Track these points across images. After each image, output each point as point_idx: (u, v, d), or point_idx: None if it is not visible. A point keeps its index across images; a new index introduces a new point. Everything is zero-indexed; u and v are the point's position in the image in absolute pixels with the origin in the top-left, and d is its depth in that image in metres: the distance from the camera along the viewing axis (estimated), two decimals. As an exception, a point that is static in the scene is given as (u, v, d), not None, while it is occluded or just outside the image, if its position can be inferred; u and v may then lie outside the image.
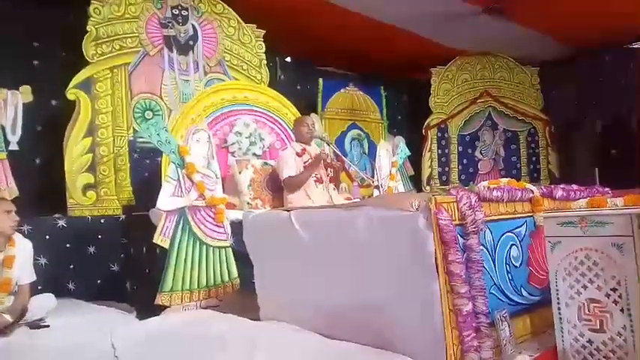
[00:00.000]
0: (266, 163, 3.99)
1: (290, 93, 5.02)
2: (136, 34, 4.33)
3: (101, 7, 4.14)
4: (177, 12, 4.60)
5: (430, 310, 1.69)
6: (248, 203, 3.67)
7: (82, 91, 4.02)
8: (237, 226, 3.00)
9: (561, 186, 2.33)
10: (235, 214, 3.22)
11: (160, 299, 2.89)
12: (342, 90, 6.12)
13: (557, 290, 1.73)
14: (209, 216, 3.12)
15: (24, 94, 3.83)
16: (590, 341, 1.65)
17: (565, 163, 6.21)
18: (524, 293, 2.01)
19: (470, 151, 6.53)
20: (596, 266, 1.65)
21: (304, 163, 3.69)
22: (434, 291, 1.68)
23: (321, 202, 3.55)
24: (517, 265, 2.01)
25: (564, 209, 2.09)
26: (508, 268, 1.97)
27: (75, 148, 3.94)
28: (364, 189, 4.89)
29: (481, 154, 6.50)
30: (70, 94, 3.97)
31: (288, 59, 5.99)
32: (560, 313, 1.72)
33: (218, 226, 3.14)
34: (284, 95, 4.61)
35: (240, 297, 3.00)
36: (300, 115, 4.31)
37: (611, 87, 5.80)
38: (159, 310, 2.88)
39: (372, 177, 4.47)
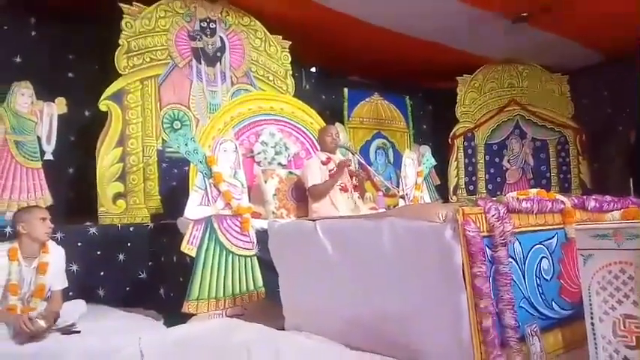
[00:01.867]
0: (291, 173, 4.02)
1: (315, 103, 5.07)
2: (166, 47, 4.44)
3: (133, 21, 4.27)
4: (205, 25, 4.70)
5: (457, 323, 1.67)
6: (273, 212, 3.69)
7: (114, 102, 4.13)
8: (262, 235, 3.03)
9: (594, 197, 2.27)
10: (261, 224, 3.25)
11: (187, 307, 2.93)
12: (366, 99, 6.12)
13: (590, 305, 1.67)
14: (235, 225, 3.16)
15: (59, 106, 3.98)
16: (625, 358, 1.59)
17: (597, 173, 6.03)
18: (556, 307, 1.95)
19: (497, 160, 6.41)
20: (631, 280, 1.59)
21: (329, 171, 3.70)
22: (461, 304, 1.66)
23: (346, 211, 3.55)
24: (548, 278, 1.96)
25: (597, 221, 2.03)
26: (538, 281, 1.92)
27: (106, 158, 4.05)
28: (389, 199, 4.86)
29: (509, 163, 6.38)
30: (103, 105, 4.09)
31: (313, 69, 6.04)
32: (593, 329, 1.66)
33: (244, 235, 3.17)
34: (309, 105, 4.65)
35: (266, 306, 3.01)
36: (324, 125, 4.33)
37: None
38: (186, 317, 2.92)
39: (398, 186, 4.44)
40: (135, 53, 4.26)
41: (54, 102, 3.97)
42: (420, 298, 1.81)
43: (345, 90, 5.97)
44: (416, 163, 4.34)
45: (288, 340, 2.22)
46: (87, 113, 4.38)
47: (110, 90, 4.12)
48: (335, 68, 6.09)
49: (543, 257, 1.96)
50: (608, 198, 2.33)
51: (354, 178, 3.83)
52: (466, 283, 1.66)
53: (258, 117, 4.26)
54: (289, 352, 2.03)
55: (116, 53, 4.17)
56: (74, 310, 2.81)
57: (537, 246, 1.95)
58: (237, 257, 3.12)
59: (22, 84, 3.84)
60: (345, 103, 5.94)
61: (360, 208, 3.74)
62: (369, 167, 4.29)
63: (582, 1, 4.55)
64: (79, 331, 2.71)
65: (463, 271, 1.66)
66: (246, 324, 2.56)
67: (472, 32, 5.24)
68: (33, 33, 4.26)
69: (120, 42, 4.19)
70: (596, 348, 1.66)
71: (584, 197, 2.26)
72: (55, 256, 2.83)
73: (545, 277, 1.95)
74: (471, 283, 1.66)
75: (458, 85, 6.39)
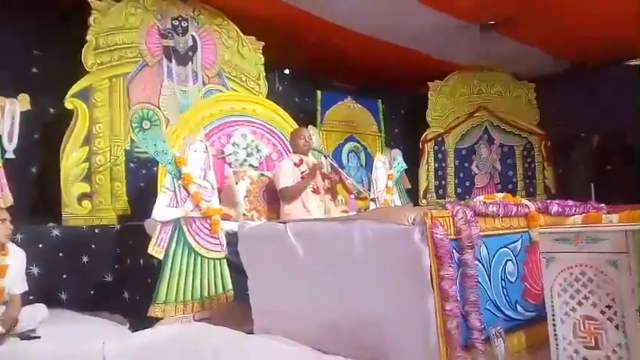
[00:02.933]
0: (262, 175, 3.99)
1: (288, 105, 5.05)
2: (136, 45, 4.35)
3: (101, 17, 4.16)
4: (177, 23, 4.63)
5: (425, 325, 1.69)
6: (244, 214, 3.66)
7: (80, 100, 4.02)
8: (232, 238, 2.99)
9: (557, 201, 2.34)
10: (231, 226, 3.21)
11: (154, 311, 2.86)
12: (340, 102, 6.15)
13: (552, 306, 1.72)
14: (204, 227, 3.11)
15: (22, 103, 3.83)
16: (585, 358, 1.64)
17: (561, 179, 6.23)
18: (520, 309, 2.00)
19: (466, 164, 6.55)
20: (591, 283, 1.64)
21: (302, 173, 3.70)
22: (429, 306, 1.68)
23: (318, 214, 3.54)
24: (512, 280, 2.00)
25: (560, 225, 2.09)
26: (503, 284, 1.96)
27: (71, 157, 3.93)
28: (361, 201, 4.88)
29: (477, 168, 6.53)
30: (68, 102, 3.97)
31: (287, 71, 6.03)
32: (555, 330, 1.71)
33: (213, 238, 3.13)
34: (282, 107, 4.63)
35: (235, 309, 2.97)
36: (297, 127, 4.32)
37: (607, 103, 5.84)
38: (152, 321, 2.85)
39: (369, 190, 4.47)
40: (103, 50, 4.16)
41: (17, 99, 3.82)
42: (389, 300, 1.83)
43: (319, 93, 5.98)
44: (387, 166, 4.38)
45: (257, 343, 2.20)
46: (52, 111, 4.23)
47: (76, 87, 4.01)
48: (308, 71, 6.09)
49: (508, 260, 2.01)
50: (571, 203, 2.41)
51: (326, 180, 3.83)
52: (434, 286, 1.68)
53: (230, 118, 4.22)
54: (258, 356, 2.01)
55: (83, 50, 4.05)
56: (34, 314, 2.72)
57: (503, 249, 1.99)
58: (206, 260, 3.07)
59: (-18, 79, 3.69)
60: (319, 106, 5.95)
61: (331, 210, 3.74)
62: (341, 170, 4.30)
63: (548, 12, 4.69)
64: (38, 337, 2.62)
65: (431, 273, 1.68)
66: (214, 328, 2.53)
67: (443, 39, 5.33)
68: (-5, 27, 4.09)
69: (87, 38, 4.08)
70: (557, 348, 1.71)
71: (548, 202, 2.32)
72: (15, 258, 2.73)
73: (510, 279, 1.99)
74: (438, 285, 1.68)
75: (429, 90, 6.50)
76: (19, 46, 4.15)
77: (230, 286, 3.10)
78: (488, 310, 1.85)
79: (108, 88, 4.17)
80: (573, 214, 2.25)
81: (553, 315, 1.72)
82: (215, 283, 3.08)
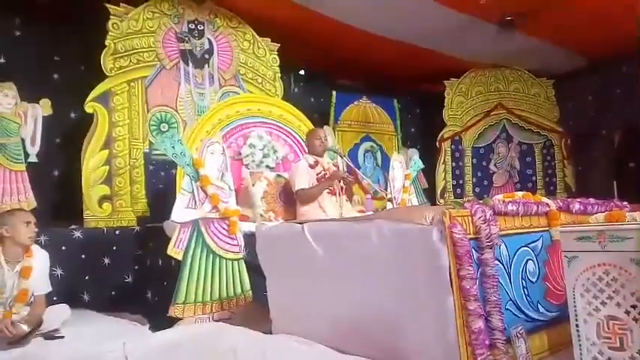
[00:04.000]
0: (279, 175, 4.01)
1: (303, 106, 5.06)
2: (153, 48, 4.41)
3: (120, 22, 4.24)
4: (193, 26, 4.68)
5: (444, 325, 1.67)
6: (261, 215, 3.68)
7: (100, 104, 4.09)
8: (250, 238, 3.01)
9: (578, 200, 2.29)
10: (248, 226, 3.23)
11: (173, 311, 2.90)
12: (355, 102, 6.14)
13: (575, 307, 1.69)
14: (222, 228, 3.13)
15: (44, 108, 3.93)
16: (609, 359, 1.61)
17: (582, 176, 6.12)
18: (541, 309, 1.96)
19: (484, 163, 6.48)
20: (615, 282, 1.61)
21: (317, 174, 3.70)
22: (448, 306, 1.66)
23: (334, 214, 3.54)
24: (533, 280, 1.97)
25: (581, 223, 2.05)
26: (524, 284, 1.93)
27: (92, 161, 4.00)
28: (377, 201, 4.87)
29: (495, 166, 6.45)
30: (88, 107, 4.05)
31: (302, 72, 6.04)
32: (578, 331, 1.68)
33: (231, 238, 3.15)
34: (297, 108, 4.65)
35: (253, 309, 2.99)
36: (313, 128, 4.33)
37: (628, 99, 5.72)
38: (172, 322, 2.89)
39: (386, 189, 4.45)
40: (121, 55, 4.23)
41: (38, 104, 3.92)
42: (407, 300, 1.81)
43: (334, 93, 5.98)
44: (404, 166, 4.36)
45: (276, 343, 2.20)
46: (72, 115, 4.33)
47: (96, 92, 4.08)
48: (323, 71, 6.10)
49: (529, 259, 1.97)
50: (592, 201, 2.36)
51: (342, 181, 3.83)
52: (453, 285, 1.66)
53: (247, 119, 4.25)
54: (277, 356, 2.02)
55: (102, 55, 4.13)
56: (58, 315, 2.78)
57: (523, 248, 1.96)
58: (225, 261, 3.10)
59: (6, 85, 3.79)
60: (334, 107, 5.96)
61: (348, 211, 3.74)
62: (357, 170, 4.29)
63: (566, 7, 4.61)
64: (62, 337, 2.67)
65: (450, 273, 1.67)
66: (232, 328, 2.54)
67: (459, 37, 5.28)
68: (17, 33, 4.19)
69: (106, 43, 4.15)
70: (580, 350, 1.67)
71: (569, 200, 2.28)
72: (39, 260, 2.79)
73: (531, 279, 1.96)
74: (459, 285, 1.66)
75: (445, 88, 6.44)
76: (40, 53, 4.25)
77: (248, 286, 3.13)
78: (509, 310, 1.82)
79: (127, 91, 4.24)
80: (595, 213, 2.20)
81: (576, 315, 1.68)
82: (233, 283, 3.11)
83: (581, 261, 1.68)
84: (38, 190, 3.81)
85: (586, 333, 1.66)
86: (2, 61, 4.07)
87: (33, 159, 3.84)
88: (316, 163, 3.76)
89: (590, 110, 6.19)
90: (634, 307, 1.57)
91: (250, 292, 3.12)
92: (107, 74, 4.15)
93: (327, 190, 3.66)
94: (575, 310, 1.69)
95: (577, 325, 1.68)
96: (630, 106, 5.68)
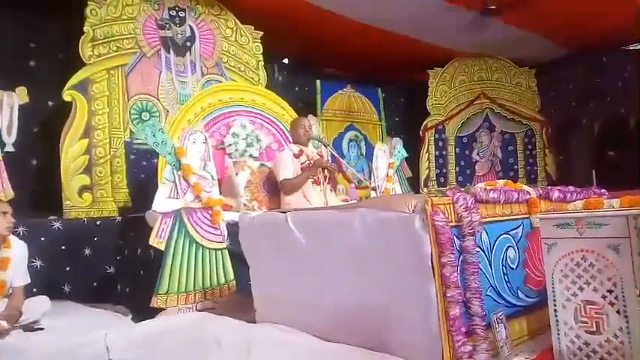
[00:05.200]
0: (263, 165, 3.98)
1: (287, 94, 5.03)
2: (133, 35, 4.32)
3: (98, 9, 4.14)
4: (174, 13, 4.59)
5: (426, 313, 1.69)
6: (244, 205, 3.66)
7: (79, 93, 4.01)
8: (233, 228, 2.99)
9: (558, 187, 2.33)
10: (231, 216, 3.21)
11: (156, 301, 2.88)
12: (339, 91, 6.12)
13: (553, 292, 1.72)
14: (205, 218, 3.11)
15: (20, 96, 3.83)
16: (586, 343, 1.64)
17: (562, 165, 6.22)
18: (521, 295, 2.00)
19: (467, 152, 6.54)
20: (592, 268, 1.64)
21: (302, 164, 3.69)
22: (430, 293, 1.68)
23: (318, 204, 3.54)
24: (513, 266, 2.00)
25: (560, 211, 2.08)
26: (504, 270, 1.96)
27: (71, 150, 3.93)
28: (361, 191, 4.88)
29: (478, 155, 6.51)
30: (67, 95, 3.96)
31: (286, 61, 5.99)
32: (556, 315, 1.71)
33: (214, 228, 3.13)
34: (281, 97, 4.62)
35: (236, 299, 2.99)
36: (297, 117, 4.30)
37: (608, 89, 5.81)
38: (154, 312, 2.87)
39: (369, 179, 4.46)
40: (100, 42, 4.13)
41: (14, 91, 3.81)
42: (390, 287, 1.83)
43: (318, 82, 5.95)
44: (388, 155, 4.37)
45: (260, 332, 2.21)
46: (50, 103, 4.23)
47: (74, 79, 4.00)
48: (308, 60, 6.06)
49: (509, 246, 2.00)
50: (572, 188, 2.40)
51: (325, 170, 3.82)
52: (435, 273, 1.68)
53: (230, 108, 4.21)
54: (261, 345, 2.02)
55: (80, 42, 4.03)
56: (37, 306, 2.74)
57: (504, 235, 1.99)
58: (208, 250, 3.08)
59: (-20, 72, 3.68)
60: (318, 95, 5.93)
61: (332, 200, 3.74)
62: (341, 159, 4.29)
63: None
64: (42, 328, 2.63)
65: (432, 260, 1.68)
66: (216, 317, 2.53)
67: (443, 26, 5.29)
68: (-8, 19, 4.07)
69: (84, 30, 4.05)
70: (558, 334, 1.71)
71: (549, 188, 2.32)
72: (17, 251, 2.74)
73: (511, 265, 1.99)
74: (440, 272, 1.68)
75: (429, 77, 6.46)
76: (16, 39, 4.13)
77: (232, 276, 3.11)
78: (490, 296, 1.85)
79: (106, 79, 4.16)
80: (574, 200, 2.24)
81: (554, 300, 1.72)
82: (217, 273, 3.09)
83: (560, 247, 1.71)
84: (16, 180, 3.72)
85: (564, 317, 1.69)
86: (-25, 47, 3.95)
87: (9, 148, 3.75)
88: (300, 152, 3.74)
89: (572, 100, 6.28)
90: (610, 291, 1.61)
91: (234, 281, 3.11)
92: (86, 62, 4.05)
93: (311, 180, 3.65)
94: (554, 296, 1.72)
95: (555, 310, 1.72)
96: (610, 96, 5.78)
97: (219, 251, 3.12)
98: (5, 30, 4.07)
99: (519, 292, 2.00)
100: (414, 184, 6.37)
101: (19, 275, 2.71)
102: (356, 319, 1.95)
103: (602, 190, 2.55)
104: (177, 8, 4.61)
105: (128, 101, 4.28)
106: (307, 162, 3.72)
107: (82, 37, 4.04)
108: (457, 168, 6.51)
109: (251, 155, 4.14)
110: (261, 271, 2.47)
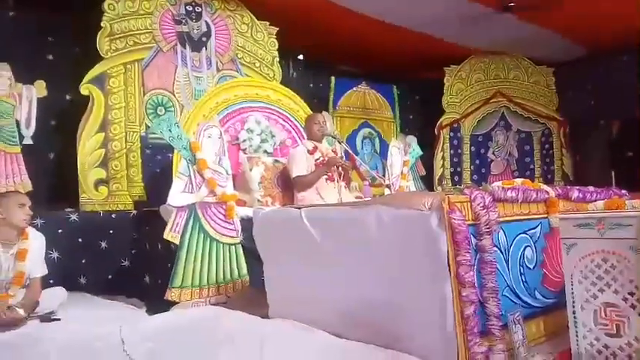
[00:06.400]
0: (277, 161, 3.99)
1: (302, 91, 5.02)
2: (150, 30, 4.35)
3: (115, 3, 4.17)
4: (190, 8, 4.61)
5: (442, 311, 1.67)
6: (258, 200, 3.66)
7: (96, 87, 4.04)
8: (247, 223, 3.00)
9: (577, 187, 2.29)
10: (245, 211, 3.22)
11: (170, 295, 2.90)
12: (354, 88, 6.09)
13: (572, 293, 1.69)
14: (219, 212, 3.12)
15: (38, 89, 3.87)
16: (606, 346, 1.61)
17: (580, 165, 6.12)
18: (538, 296, 1.97)
19: (482, 151, 6.46)
20: (613, 269, 1.61)
21: (315, 160, 3.68)
22: (446, 292, 1.66)
23: (332, 200, 3.53)
24: (531, 267, 1.97)
25: (580, 211, 2.04)
26: (522, 270, 1.93)
27: (88, 143, 3.97)
28: (375, 188, 4.86)
29: (494, 154, 6.43)
30: (84, 89, 4.00)
31: (301, 57, 5.98)
32: (575, 317, 1.68)
33: (228, 223, 3.14)
34: (296, 93, 4.61)
35: (250, 294, 2.99)
36: (311, 113, 4.29)
37: (627, 88, 5.69)
38: (168, 305, 2.89)
39: (384, 176, 4.44)
40: (117, 36, 4.16)
41: (33, 85, 3.86)
42: (405, 285, 1.81)
43: (333, 78, 5.93)
44: (402, 152, 4.34)
45: (273, 327, 2.21)
46: (68, 97, 4.27)
47: (92, 74, 4.03)
48: (322, 56, 6.03)
49: (527, 246, 1.97)
50: (592, 189, 2.35)
51: (339, 167, 3.81)
52: (450, 271, 1.66)
53: (244, 104, 4.21)
54: (274, 340, 2.02)
55: (98, 36, 4.07)
56: (54, 297, 2.78)
57: (521, 235, 1.96)
58: (222, 245, 3.09)
59: (0, 66, 3.72)
60: (332, 92, 5.91)
61: (346, 197, 3.73)
62: (355, 156, 4.27)
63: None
64: (59, 319, 2.67)
65: (448, 259, 1.66)
66: (229, 312, 2.54)
67: (460, 24, 5.23)
68: (11, 14, 4.12)
69: (102, 24, 4.08)
70: (577, 336, 1.68)
71: (568, 187, 2.27)
72: (35, 242, 2.77)
73: (529, 265, 1.96)
74: (456, 271, 1.66)
75: (445, 75, 6.40)
76: (35, 34, 4.18)
77: (245, 271, 3.12)
78: (507, 296, 1.82)
79: (123, 74, 4.19)
80: (594, 200, 2.20)
81: (573, 302, 1.69)
82: (230, 267, 3.10)
83: (579, 248, 1.67)
84: (34, 172, 3.78)
85: (583, 320, 1.66)
86: (-4, 42, 4.01)
87: (28, 141, 3.80)
88: (315, 148, 3.73)
89: (590, 99, 6.17)
90: (631, 294, 1.57)
91: (247, 276, 3.12)
92: (103, 56, 4.09)
93: (325, 177, 3.64)
94: (573, 297, 1.69)
95: (574, 312, 1.68)
96: (629, 96, 5.66)
97: (233, 246, 3.13)
98: (25, 25, 4.12)
99: (536, 292, 1.96)
100: (428, 182, 6.32)
101: (36, 266, 2.75)
102: (370, 317, 1.94)
103: (623, 191, 2.50)
104: (193, 3, 4.62)
105: (144, 96, 4.30)
106: (321, 158, 3.71)
107: (100, 32, 4.08)
108: (472, 167, 6.44)
109: (265, 151, 4.14)
110: (275, 266, 2.47)
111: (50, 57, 4.26)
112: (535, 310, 1.94)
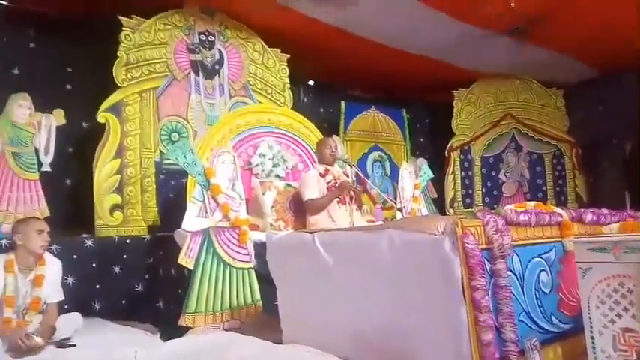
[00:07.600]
0: (289, 185, 4.02)
1: (313, 115, 5.09)
2: (165, 59, 4.46)
3: (132, 34, 4.30)
4: (204, 37, 4.73)
5: (457, 337, 1.66)
6: (271, 225, 3.68)
7: (112, 114, 4.13)
8: (260, 248, 3.02)
9: (591, 210, 2.28)
10: (258, 236, 3.24)
11: (184, 320, 2.90)
12: (364, 112, 6.15)
13: (589, 318, 1.68)
14: (233, 237, 3.15)
15: (57, 117, 3.98)
16: (625, 372, 1.59)
17: (593, 187, 6.07)
18: (555, 321, 1.95)
19: (494, 173, 6.45)
20: (630, 294, 1.59)
21: (327, 183, 3.71)
22: (461, 317, 1.65)
23: (344, 224, 3.54)
24: (547, 291, 1.96)
25: (595, 234, 2.04)
26: (537, 295, 1.92)
27: (104, 170, 4.04)
28: (387, 211, 4.86)
29: (505, 176, 6.41)
30: (101, 117, 4.09)
31: (311, 83, 6.08)
32: (593, 343, 1.66)
33: (241, 247, 3.16)
34: (307, 118, 4.67)
35: (263, 319, 2.99)
36: (322, 137, 4.34)
37: (638, 109, 5.68)
38: (183, 331, 2.89)
39: (395, 199, 4.44)
40: (133, 65, 4.28)
41: (52, 113, 3.97)
42: (419, 310, 1.80)
43: (343, 103, 6.00)
44: (413, 175, 4.36)
45: (286, 353, 2.20)
46: (85, 125, 4.38)
47: (108, 102, 4.13)
48: (332, 82, 6.13)
49: (542, 270, 1.96)
50: (605, 211, 2.34)
51: (351, 191, 3.83)
52: (465, 296, 1.66)
53: (256, 129, 4.27)
54: (287, 366, 2.02)
55: (115, 65, 4.18)
56: (70, 323, 2.80)
57: (536, 259, 1.95)
58: (235, 270, 3.10)
59: (20, 95, 3.83)
60: (343, 116, 5.97)
61: (357, 220, 3.74)
62: (366, 180, 4.29)
63: (575, 17, 4.62)
64: (74, 345, 2.68)
65: (462, 284, 1.66)
66: (243, 337, 2.54)
67: (469, 48, 5.29)
68: (32, 45, 4.27)
69: (118, 54, 4.21)
70: (596, 362, 1.66)
71: (582, 210, 2.27)
72: (52, 268, 2.81)
73: (544, 290, 1.95)
74: (470, 296, 1.65)
75: (454, 98, 6.45)
76: (54, 64, 4.31)
77: (258, 296, 3.13)
78: (523, 321, 1.81)
79: (138, 102, 4.28)
80: (608, 223, 2.19)
81: (591, 327, 1.67)
82: (244, 292, 3.11)
83: (595, 272, 1.67)
84: (51, 198, 3.85)
85: (601, 345, 1.64)
86: (17, 72, 4.14)
87: (46, 168, 3.88)
88: (326, 172, 3.77)
89: (601, 120, 6.15)
90: (650, 319, 1.56)
91: (260, 301, 3.12)
92: (119, 85, 4.20)
93: (337, 200, 3.66)
94: (590, 322, 1.67)
95: (592, 338, 1.67)
96: (641, 117, 5.64)
97: (246, 270, 3.15)
98: (44, 55, 4.27)
99: (553, 317, 1.95)
100: (439, 205, 6.30)
101: (53, 292, 2.78)
102: (383, 342, 1.93)
103: (638, 213, 2.48)
104: (206, 33, 4.76)
105: (158, 123, 4.39)
106: (333, 181, 3.74)
107: (116, 61, 4.19)
108: (484, 189, 6.42)
109: (277, 175, 4.18)
110: (288, 291, 2.47)
111: (69, 86, 4.39)
112: (552, 336, 1.92)
